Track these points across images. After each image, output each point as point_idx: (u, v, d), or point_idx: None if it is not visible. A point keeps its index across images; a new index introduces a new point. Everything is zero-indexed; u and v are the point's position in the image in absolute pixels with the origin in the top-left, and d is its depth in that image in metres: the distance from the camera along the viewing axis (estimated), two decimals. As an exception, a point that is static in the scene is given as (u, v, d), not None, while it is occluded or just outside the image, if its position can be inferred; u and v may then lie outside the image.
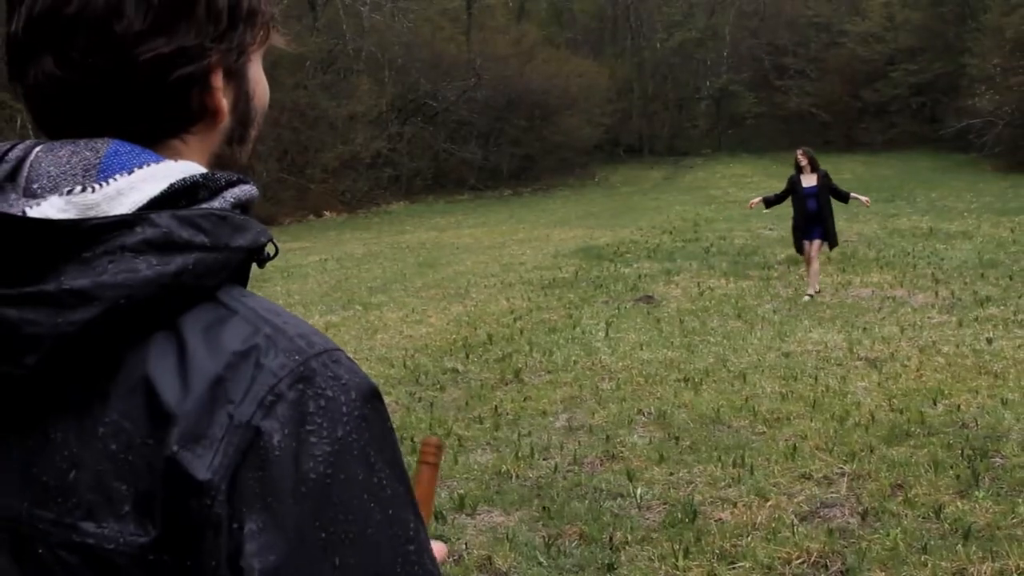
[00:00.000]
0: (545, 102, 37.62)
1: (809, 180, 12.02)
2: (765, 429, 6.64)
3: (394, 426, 2.76)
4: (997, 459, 5.81)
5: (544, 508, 5.36)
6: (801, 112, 41.85)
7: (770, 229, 18.58)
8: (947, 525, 4.87)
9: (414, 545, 0.89)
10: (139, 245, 0.86)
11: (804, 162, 12.19)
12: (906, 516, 5.01)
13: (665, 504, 5.38)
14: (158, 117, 0.94)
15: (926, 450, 5.99)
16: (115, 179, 0.89)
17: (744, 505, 5.25)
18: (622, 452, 6.32)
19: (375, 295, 13.94)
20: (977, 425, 6.43)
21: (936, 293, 11.18)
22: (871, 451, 6.01)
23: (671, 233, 20.62)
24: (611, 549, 4.77)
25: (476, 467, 6.21)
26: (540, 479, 5.91)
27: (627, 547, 4.79)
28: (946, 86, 36.91)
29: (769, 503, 5.26)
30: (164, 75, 0.92)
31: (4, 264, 0.85)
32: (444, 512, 5.42)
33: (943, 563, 4.43)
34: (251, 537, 0.81)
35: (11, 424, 0.89)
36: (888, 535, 4.73)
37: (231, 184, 0.94)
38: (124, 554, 0.83)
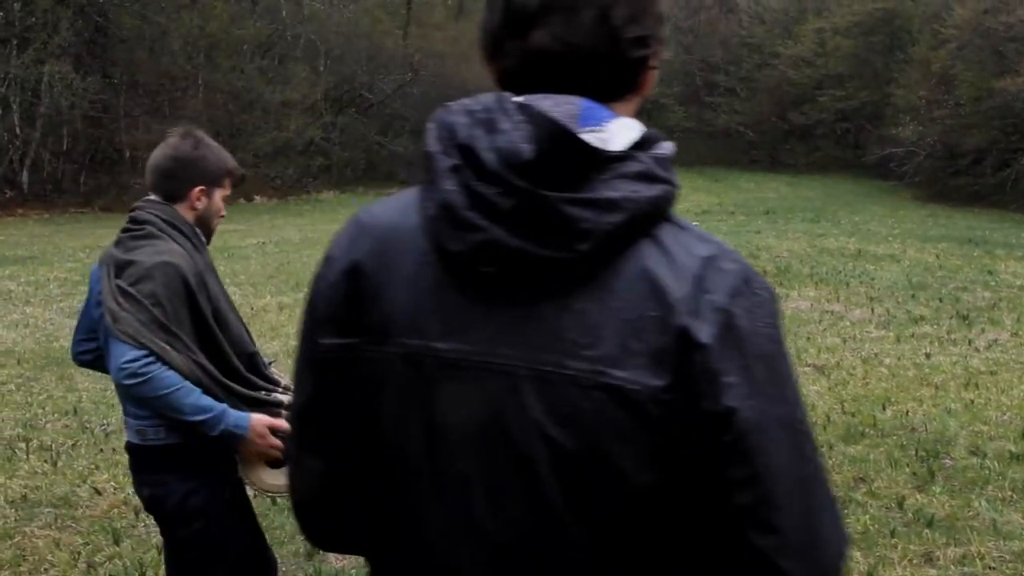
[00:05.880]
0: (480, 102, 37.79)
1: None
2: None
3: None
4: (947, 461, 6.23)
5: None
6: (729, 130, 42.52)
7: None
8: (910, 515, 5.25)
9: (800, 400, 1.24)
10: (633, 174, 1.20)
11: None
12: (871, 505, 5.39)
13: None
14: (617, 84, 1.27)
15: (882, 449, 6.40)
16: (605, 125, 1.20)
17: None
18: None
19: (321, 279, 14.02)
20: (926, 430, 6.85)
21: (872, 310, 11.65)
22: (830, 448, 6.37)
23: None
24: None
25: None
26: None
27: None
28: (871, 114, 37.89)
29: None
30: (633, 52, 1.25)
31: (561, 174, 1.17)
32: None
33: (911, 546, 4.81)
34: (730, 386, 1.15)
35: (545, 295, 1.20)
36: (858, 520, 5.09)
37: (661, 139, 1.26)
38: (643, 393, 1.16)
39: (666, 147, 1.25)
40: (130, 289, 2.83)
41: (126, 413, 3.05)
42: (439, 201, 1.21)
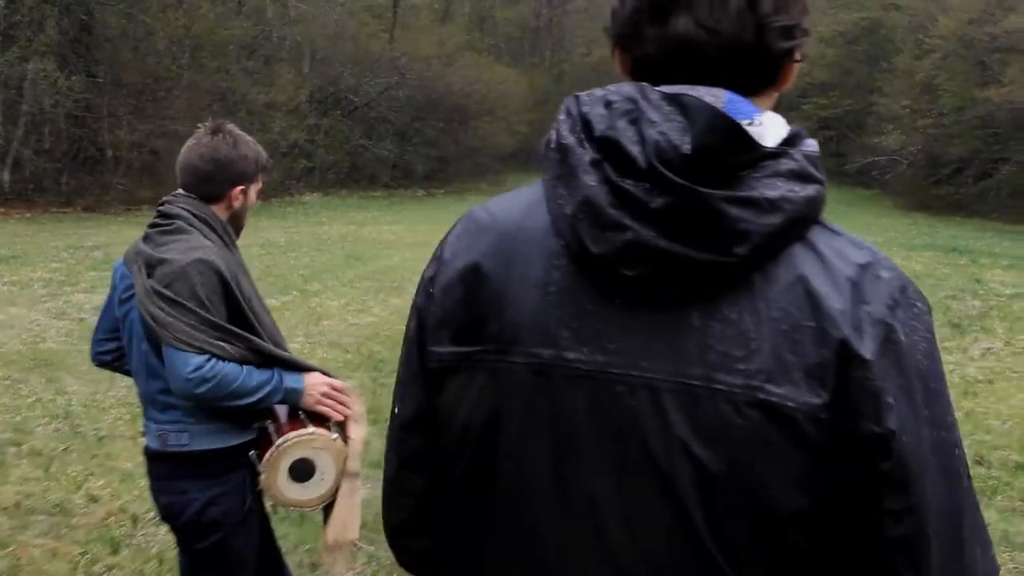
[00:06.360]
0: (464, 106, 37.71)
1: None
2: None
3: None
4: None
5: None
6: (713, 137, 42.68)
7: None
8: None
9: (956, 423, 1.15)
10: (787, 173, 1.10)
11: None
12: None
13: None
14: (759, 77, 1.18)
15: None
16: (756, 119, 1.11)
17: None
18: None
19: (309, 283, 13.92)
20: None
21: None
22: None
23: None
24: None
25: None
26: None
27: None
28: (853, 123, 38.12)
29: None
30: (779, 43, 1.15)
31: (719, 171, 1.07)
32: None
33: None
34: (890, 407, 1.05)
35: (692, 302, 1.11)
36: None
37: (806, 136, 1.16)
38: (801, 412, 1.06)
39: (813, 144, 1.16)
40: (168, 292, 2.73)
41: (147, 417, 2.97)
42: (580, 199, 1.12)
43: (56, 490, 5.64)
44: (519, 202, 1.26)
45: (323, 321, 10.87)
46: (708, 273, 1.09)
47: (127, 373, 3.11)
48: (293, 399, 2.87)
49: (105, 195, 25.39)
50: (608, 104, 1.14)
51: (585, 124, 1.15)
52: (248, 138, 3.03)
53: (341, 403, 2.93)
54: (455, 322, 1.24)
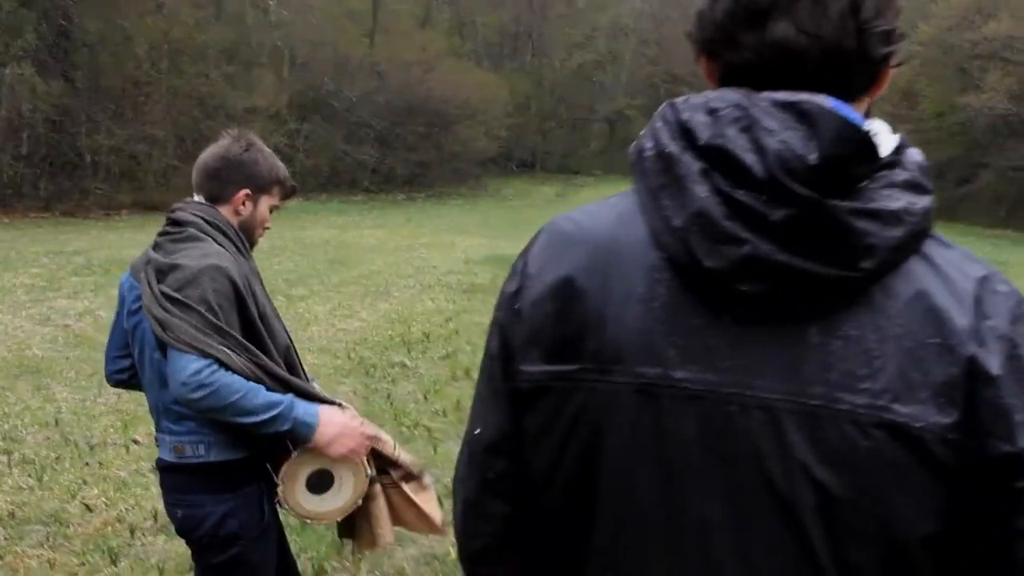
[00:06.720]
0: (445, 111, 37.65)
1: None
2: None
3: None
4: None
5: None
6: (692, 141, 42.83)
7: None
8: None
9: None
10: (902, 184, 1.06)
11: None
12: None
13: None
14: (858, 82, 1.13)
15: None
16: (867, 127, 1.05)
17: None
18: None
19: (294, 288, 13.81)
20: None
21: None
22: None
23: (576, 249, 20.93)
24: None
25: (456, 457, 6.26)
26: (525, 472, 6.01)
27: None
28: (833, 128, 38.29)
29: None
30: (879, 49, 1.10)
31: (842, 182, 1.02)
32: (440, 496, 5.47)
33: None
34: (1020, 425, 1.01)
35: (810, 318, 1.05)
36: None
37: (911, 145, 1.12)
38: (929, 432, 1.01)
39: (918, 153, 1.12)
40: (177, 295, 2.61)
41: (159, 429, 2.86)
42: (692, 210, 1.07)
43: (50, 499, 5.53)
44: (607, 213, 1.21)
45: (311, 327, 10.78)
46: (829, 288, 1.04)
47: (141, 390, 2.99)
48: (303, 434, 2.67)
49: (84, 200, 25.21)
50: (711, 111, 1.09)
51: (686, 132, 1.10)
52: (268, 150, 2.95)
53: (356, 450, 2.78)
54: (546, 339, 1.18)
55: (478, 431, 1.30)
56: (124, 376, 3.03)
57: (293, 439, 2.72)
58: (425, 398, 7.82)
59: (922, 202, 1.06)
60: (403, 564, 4.69)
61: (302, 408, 2.67)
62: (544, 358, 1.18)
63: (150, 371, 2.82)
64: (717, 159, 1.06)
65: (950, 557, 1.06)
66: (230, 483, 2.79)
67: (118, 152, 26.02)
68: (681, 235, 1.08)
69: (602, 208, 1.22)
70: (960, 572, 1.07)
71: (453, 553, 4.72)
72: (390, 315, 11.85)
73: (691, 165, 1.07)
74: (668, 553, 1.13)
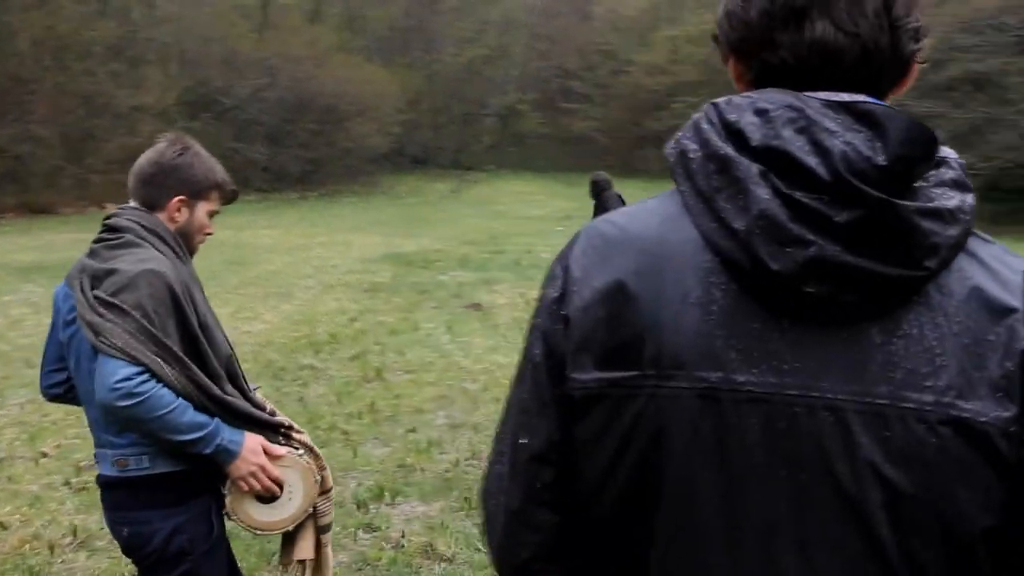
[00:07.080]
0: (336, 107, 37.38)
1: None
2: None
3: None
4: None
5: (465, 499, 5.51)
6: (584, 135, 43.12)
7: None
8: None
9: None
10: (950, 182, 1.10)
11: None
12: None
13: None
14: (889, 79, 1.17)
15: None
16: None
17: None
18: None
19: (193, 290, 13.58)
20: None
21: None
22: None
23: (473, 244, 20.98)
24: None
25: (376, 460, 6.28)
26: (446, 472, 6.05)
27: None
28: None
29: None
30: (910, 46, 1.15)
31: (905, 182, 1.06)
32: (365, 500, 5.48)
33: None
34: None
35: (871, 318, 1.09)
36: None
37: (942, 142, 1.15)
38: (993, 426, 1.06)
39: (952, 151, 1.15)
40: (112, 299, 2.56)
41: (99, 444, 2.80)
42: (756, 212, 1.06)
43: (-40, 517, 5.38)
44: (651, 215, 1.19)
45: (215, 330, 10.60)
46: (892, 288, 1.07)
47: (79, 404, 2.93)
48: (224, 459, 2.67)
49: (-33, 202, 24.42)
50: (761, 112, 1.10)
51: (735, 133, 1.10)
52: (205, 154, 2.91)
53: (267, 487, 2.78)
54: (599, 346, 1.16)
55: (524, 440, 1.25)
56: (60, 390, 2.97)
57: (214, 461, 2.71)
58: (339, 400, 7.79)
59: (969, 199, 1.10)
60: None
61: (228, 433, 2.68)
62: (597, 365, 1.16)
63: (86, 383, 2.77)
64: (774, 161, 1.07)
65: (1009, 552, 1.10)
66: (177, 496, 2.75)
67: (1, 153, 25.22)
68: (743, 238, 1.08)
69: (641, 211, 1.22)
70: (1017, 567, 1.11)
71: (384, 558, 4.73)
72: (294, 316, 11.75)
73: (749, 167, 1.08)
74: (729, 557, 1.12)
